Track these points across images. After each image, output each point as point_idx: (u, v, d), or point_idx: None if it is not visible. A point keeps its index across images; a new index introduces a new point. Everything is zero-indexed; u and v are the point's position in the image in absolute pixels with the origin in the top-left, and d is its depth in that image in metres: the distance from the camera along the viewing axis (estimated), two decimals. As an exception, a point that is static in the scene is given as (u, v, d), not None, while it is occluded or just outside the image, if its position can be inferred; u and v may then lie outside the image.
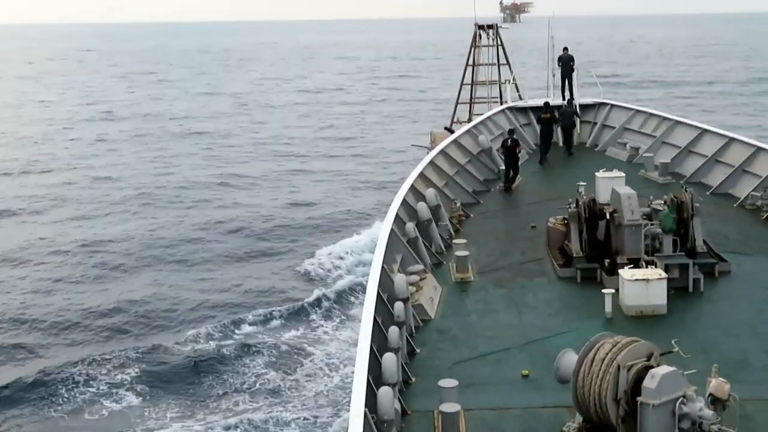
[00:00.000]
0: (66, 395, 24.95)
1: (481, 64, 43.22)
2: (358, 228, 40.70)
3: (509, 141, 28.64)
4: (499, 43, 43.75)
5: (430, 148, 40.06)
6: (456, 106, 43.89)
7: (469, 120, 40.22)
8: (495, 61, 43.38)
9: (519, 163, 28.75)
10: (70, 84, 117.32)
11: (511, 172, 28.30)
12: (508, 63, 43.07)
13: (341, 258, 36.73)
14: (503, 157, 28.61)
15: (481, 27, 44.34)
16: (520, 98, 38.52)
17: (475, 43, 43.88)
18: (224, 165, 57.92)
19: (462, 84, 44.10)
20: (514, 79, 41.45)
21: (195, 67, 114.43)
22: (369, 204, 46.03)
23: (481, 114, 38.16)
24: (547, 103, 32.31)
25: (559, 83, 35.07)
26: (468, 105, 43.55)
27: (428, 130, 49.00)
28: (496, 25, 45.13)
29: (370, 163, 58.16)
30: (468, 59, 43.62)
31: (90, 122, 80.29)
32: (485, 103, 42.45)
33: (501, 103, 38.90)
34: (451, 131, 39.38)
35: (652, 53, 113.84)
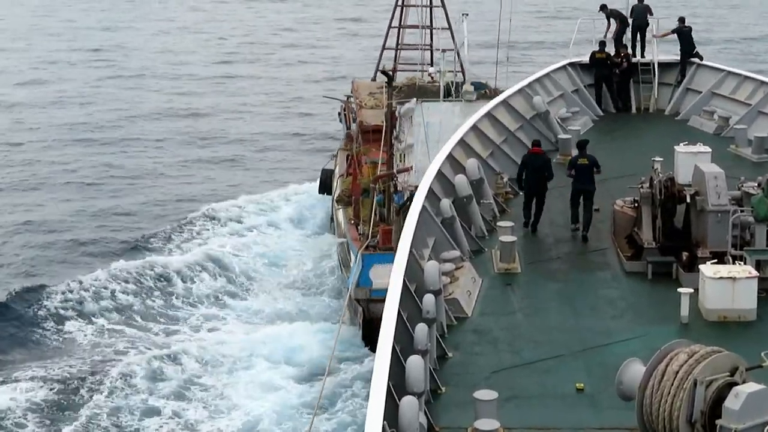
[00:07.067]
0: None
1: (412, 6, 42.33)
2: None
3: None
4: None
5: (344, 102, 39.93)
6: (381, 53, 43.23)
7: (394, 71, 39.27)
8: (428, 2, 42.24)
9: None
10: None
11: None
12: (443, 5, 41.84)
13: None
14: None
15: None
16: (463, 73, 37.66)
17: None
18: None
19: (389, 27, 43.42)
20: (454, 43, 39.83)
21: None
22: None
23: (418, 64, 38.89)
24: (602, 42, 32.81)
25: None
26: (394, 52, 43.07)
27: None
28: None
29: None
30: None
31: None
32: (417, 50, 41.93)
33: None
34: (388, 75, 37.00)
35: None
